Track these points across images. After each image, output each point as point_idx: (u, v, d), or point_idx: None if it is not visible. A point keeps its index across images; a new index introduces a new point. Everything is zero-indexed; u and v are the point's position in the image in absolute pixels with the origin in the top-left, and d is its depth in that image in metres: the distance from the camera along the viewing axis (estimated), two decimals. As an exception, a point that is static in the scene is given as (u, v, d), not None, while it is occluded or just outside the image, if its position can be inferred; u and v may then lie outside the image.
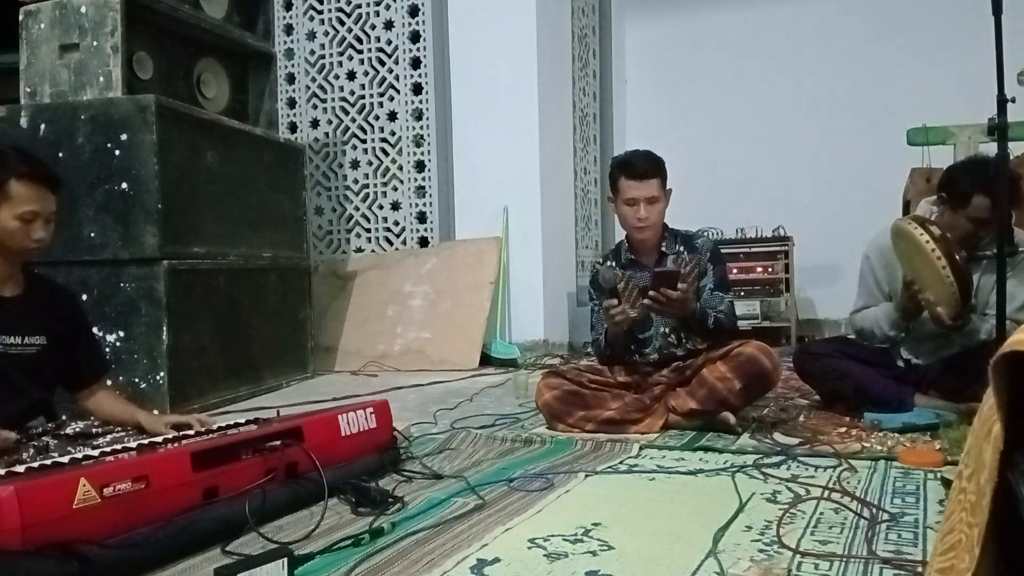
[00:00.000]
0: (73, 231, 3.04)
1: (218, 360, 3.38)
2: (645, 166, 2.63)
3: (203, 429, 2.00)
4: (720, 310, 2.62)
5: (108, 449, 1.77)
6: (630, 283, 2.68)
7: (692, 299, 2.54)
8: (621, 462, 2.17)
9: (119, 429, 2.12)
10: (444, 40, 4.91)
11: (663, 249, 2.70)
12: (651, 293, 2.44)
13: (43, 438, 2.02)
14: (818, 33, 5.75)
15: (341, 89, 5.11)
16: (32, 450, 1.93)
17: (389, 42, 5.00)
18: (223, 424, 2.07)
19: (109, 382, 2.93)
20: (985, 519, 0.72)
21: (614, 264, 2.79)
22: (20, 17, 3.26)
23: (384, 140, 5.05)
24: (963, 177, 2.48)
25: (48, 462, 1.64)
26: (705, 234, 2.84)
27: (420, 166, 4.98)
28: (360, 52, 5.07)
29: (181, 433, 1.96)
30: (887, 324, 2.63)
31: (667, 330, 2.69)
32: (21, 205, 1.96)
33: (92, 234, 3.06)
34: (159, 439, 1.88)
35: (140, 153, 3.03)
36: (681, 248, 2.71)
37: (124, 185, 3.04)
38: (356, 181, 5.12)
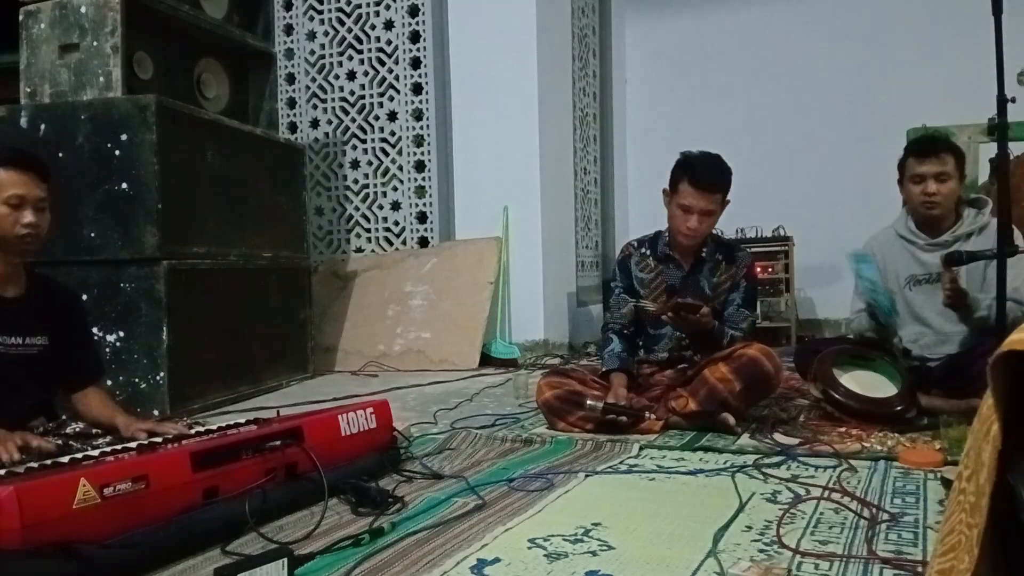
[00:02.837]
0: (73, 231, 3.04)
1: (218, 360, 3.38)
2: (712, 179, 2.53)
3: (175, 436, 1.96)
4: (741, 327, 2.63)
5: (108, 449, 1.77)
6: (659, 277, 2.68)
7: (710, 320, 2.53)
8: (621, 462, 2.17)
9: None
10: (444, 40, 4.91)
11: (703, 254, 2.67)
12: (670, 314, 2.48)
13: (44, 438, 2.02)
14: (818, 33, 5.75)
15: (341, 89, 5.12)
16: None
17: (389, 42, 5.00)
18: (222, 424, 2.06)
19: (109, 382, 2.95)
20: (984, 519, 0.72)
21: (648, 253, 2.75)
22: (20, 17, 3.26)
23: (384, 140, 5.05)
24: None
25: (48, 462, 1.64)
26: (746, 248, 2.81)
27: (420, 166, 4.98)
28: (360, 52, 5.07)
29: (181, 433, 1.96)
30: (870, 330, 2.74)
31: (682, 333, 2.69)
32: (6, 190, 1.97)
33: (92, 234, 3.06)
34: (159, 439, 1.88)
35: (140, 153, 3.03)
36: (720, 257, 2.68)
37: (124, 185, 3.04)
38: (356, 181, 5.12)
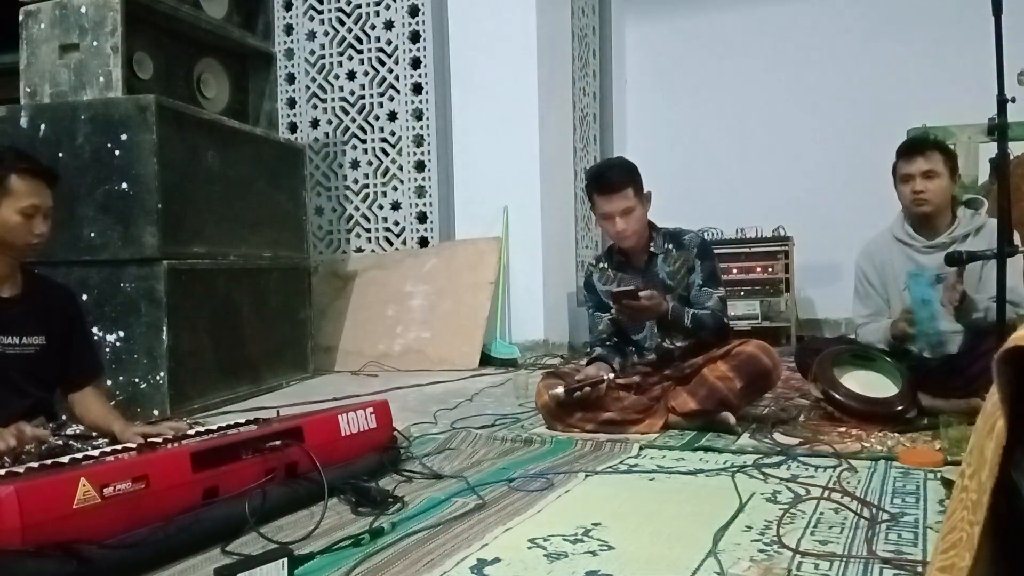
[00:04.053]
0: (73, 231, 3.04)
1: (218, 360, 3.38)
2: (614, 179, 2.61)
3: (174, 436, 1.95)
4: (707, 306, 2.64)
5: (108, 449, 1.76)
6: (621, 284, 2.70)
7: (662, 302, 2.55)
8: (621, 462, 2.17)
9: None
10: (444, 40, 4.91)
11: (652, 249, 2.70)
12: (616, 307, 2.55)
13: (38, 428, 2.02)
14: (818, 33, 5.75)
15: (341, 89, 5.11)
16: (33, 446, 1.93)
17: (389, 42, 5.00)
18: (222, 424, 2.06)
19: (109, 382, 2.95)
20: (985, 517, 0.71)
21: (606, 265, 2.81)
22: (20, 17, 3.26)
23: (384, 140, 5.05)
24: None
25: (48, 462, 1.64)
26: (695, 231, 2.84)
27: (420, 166, 4.98)
28: (360, 52, 5.07)
29: (182, 433, 1.96)
30: (883, 342, 2.72)
31: (656, 328, 2.71)
32: (22, 199, 1.97)
33: (92, 234, 3.06)
34: (159, 439, 1.87)
35: (140, 153, 3.03)
36: (670, 246, 2.71)
37: (124, 185, 3.04)
38: (356, 181, 5.12)
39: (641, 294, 2.50)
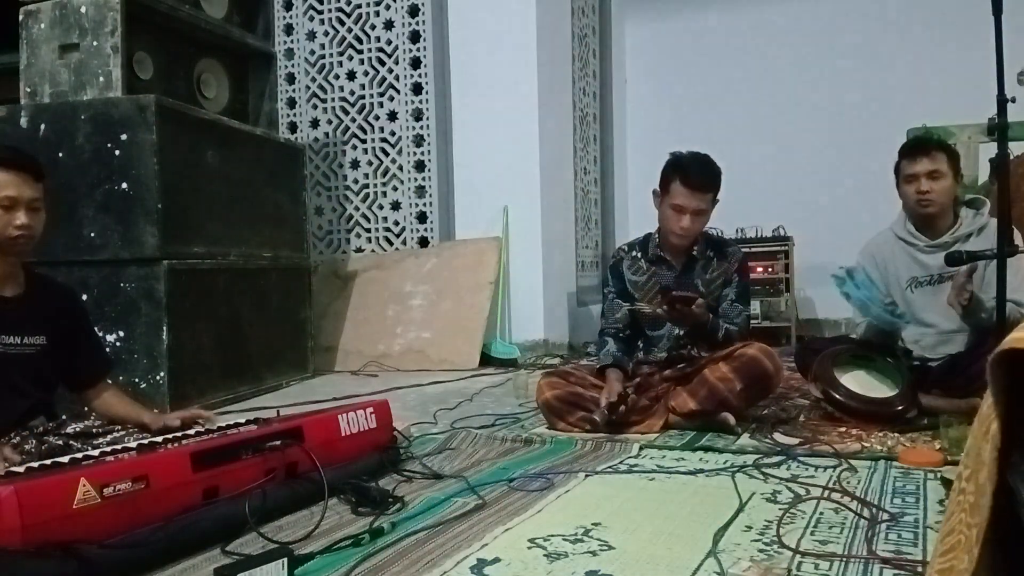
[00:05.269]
0: (73, 231, 3.04)
1: (218, 360, 3.38)
2: (702, 179, 2.55)
3: (208, 422, 1.99)
4: (735, 322, 2.64)
5: (108, 449, 1.77)
6: (652, 279, 2.69)
7: (705, 312, 2.55)
8: (621, 462, 2.17)
9: (119, 428, 2.12)
10: (444, 40, 4.91)
11: (694, 253, 2.68)
12: (663, 306, 2.51)
13: (44, 438, 2.02)
14: (818, 33, 5.75)
15: (341, 89, 5.12)
16: (33, 446, 1.94)
17: (389, 42, 5.00)
18: (223, 424, 2.07)
19: (109, 382, 2.94)
20: (984, 519, 0.72)
21: (639, 255, 2.77)
22: (20, 17, 3.26)
23: (384, 140, 5.05)
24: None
25: (48, 462, 1.64)
26: (737, 244, 2.82)
27: (420, 166, 4.98)
28: (360, 52, 5.07)
29: (182, 433, 1.96)
30: (883, 330, 2.71)
31: (680, 332, 2.69)
32: None
33: (92, 234, 3.06)
34: (159, 439, 1.88)
35: (140, 153, 3.03)
36: (711, 254, 2.70)
37: (124, 185, 3.04)
38: (356, 181, 5.12)
39: (698, 302, 2.49)
